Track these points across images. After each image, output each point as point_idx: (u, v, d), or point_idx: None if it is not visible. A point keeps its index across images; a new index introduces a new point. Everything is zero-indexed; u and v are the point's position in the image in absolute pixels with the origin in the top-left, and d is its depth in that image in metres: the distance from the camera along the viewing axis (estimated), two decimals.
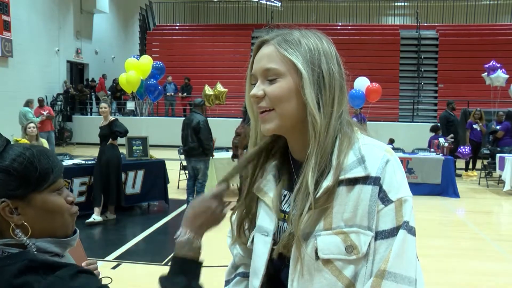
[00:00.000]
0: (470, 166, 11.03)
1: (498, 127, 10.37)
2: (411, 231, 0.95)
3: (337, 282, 0.95)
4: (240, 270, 1.21)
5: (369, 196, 0.94)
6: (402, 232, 0.94)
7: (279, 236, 1.03)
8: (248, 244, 1.11)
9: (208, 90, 10.52)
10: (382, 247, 0.94)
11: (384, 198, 0.95)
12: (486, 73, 11.73)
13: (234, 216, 1.17)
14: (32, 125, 6.52)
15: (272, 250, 1.03)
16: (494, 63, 11.59)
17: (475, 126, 10.63)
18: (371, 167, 0.96)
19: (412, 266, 0.94)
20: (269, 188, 1.07)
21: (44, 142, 6.77)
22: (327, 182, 0.95)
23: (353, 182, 0.96)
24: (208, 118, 6.97)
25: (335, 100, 1.00)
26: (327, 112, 0.98)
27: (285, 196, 1.07)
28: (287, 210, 1.04)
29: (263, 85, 1.00)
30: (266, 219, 1.06)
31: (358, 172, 0.96)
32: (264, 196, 1.07)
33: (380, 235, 0.94)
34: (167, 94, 16.46)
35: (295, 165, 1.06)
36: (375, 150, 0.98)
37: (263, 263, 1.04)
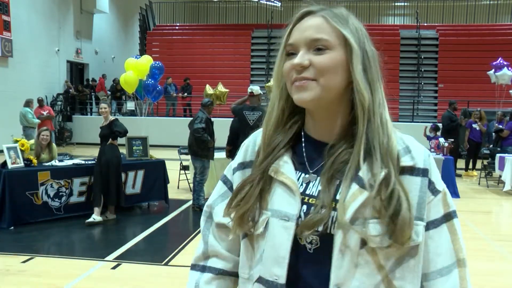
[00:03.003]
0: (470, 166, 11.03)
1: (500, 126, 10.35)
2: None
3: (378, 274, 0.94)
4: (213, 264, 1.13)
5: (419, 187, 0.96)
6: (456, 221, 1.01)
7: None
8: (260, 230, 1.01)
9: (209, 89, 10.54)
10: (436, 235, 0.99)
11: (433, 189, 0.98)
12: (492, 71, 11.66)
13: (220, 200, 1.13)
14: (46, 132, 6.49)
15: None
16: (501, 61, 11.53)
17: (474, 125, 10.62)
18: (417, 158, 0.97)
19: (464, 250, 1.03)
20: (287, 170, 1.01)
21: (55, 149, 6.73)
22: (383, 168, 0.93)
23: (401, 171, 0.96)
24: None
25: (380, 81, 0.99)
26: (373, 90, 0.97)
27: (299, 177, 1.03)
28: (307, 192, 1.00)
29: (308, 55, 0.97)
30: (284, 203, 0.99)
31: (406, 161, 0.96)
32: (285, 178, 1.00)
33: (432, 225, 0.98)
34: (170, 94, 16.48)
35: (314, 145, 1.03)
36: (416, 143, 1.01)
37: (286, 250, 0.97)
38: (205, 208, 1.18)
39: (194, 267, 1.17)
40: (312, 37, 0.97)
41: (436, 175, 1.00)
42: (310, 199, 0.99)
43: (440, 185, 1.00)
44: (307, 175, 1.02)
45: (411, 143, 1.00)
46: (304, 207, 0.98)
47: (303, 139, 1.05)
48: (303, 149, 1.04)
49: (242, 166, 1.11)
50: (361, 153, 0.94)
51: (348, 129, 0.99)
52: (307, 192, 1.00)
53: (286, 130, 1.05)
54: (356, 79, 0.95)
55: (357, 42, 0.98)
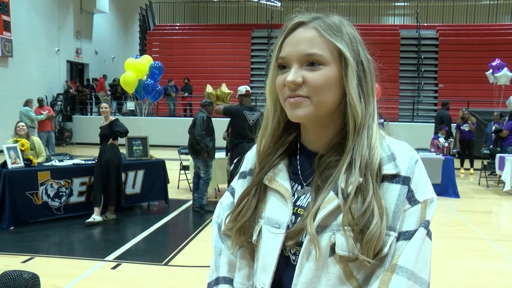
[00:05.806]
0: (468, 165, 11.07)
1: (500, 127, 10.38)
2: (429, 234, 0.92)
3: (348, 284, 0.91)
4: (223, 274, 1.08)
5: (397, 195, 0.91)
6: (421, 230, 0.90)
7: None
8: (254, 238, 1.01)
9: (209, 89, 10.52)
10: (403, 247, 0.89)
11: (411, 198, 0.91)
12: (490, 71, 11.67)
13: (227, 212, 1.09)
14: (21, 124, 6.64)
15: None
16: (499, 62, 11.53)
17: (462, 127, 10.70)
18: (401, 166, 0.92)
19: (426, 268, 0.90)
20: (282, 178, 1.01)
21: (36, 141, 6.79)
22: (359, 177, 0.90)
23: (381, 179, 0.92)
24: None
25: (373, 92, 0.97)
26: (367, 104, 0.95)
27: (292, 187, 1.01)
28: (298, 203, 0.99)
29: (301, 71, 0.93)
30: (277, 211, 0.99)
31: (388, 169, 0.92)
32: (278, 186, 1.00)
33: (403, 236, 0.90)
34: (170, 94, 16.46)
35: (307, 156, 1.02)
36: (404, 149, 0.95)
37: (274, 257, 0.96)
38: (215, 219, 1.16)
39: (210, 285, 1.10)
40: (305, 52, 0.93)
41: (420, 184, 0.92)
42: (299, 210, 0.98)
43: (422, 195, 0.92)
44: (300, 187, 1.01)
45: (398, 150, 0.95)
46: (293, 217, 0.97)
47: (298, 150, 1.04)
48: (297, 160, 1.03)
49: (243, 174, 1.11)
50: (345, 164, 0.92)
51: (339, 140, 0.97)
52: (298, 203, 0.99)
53: (282, 141, 1.05)
54: (351, 95, 0.93)
55: (352, 54, 0.94)
